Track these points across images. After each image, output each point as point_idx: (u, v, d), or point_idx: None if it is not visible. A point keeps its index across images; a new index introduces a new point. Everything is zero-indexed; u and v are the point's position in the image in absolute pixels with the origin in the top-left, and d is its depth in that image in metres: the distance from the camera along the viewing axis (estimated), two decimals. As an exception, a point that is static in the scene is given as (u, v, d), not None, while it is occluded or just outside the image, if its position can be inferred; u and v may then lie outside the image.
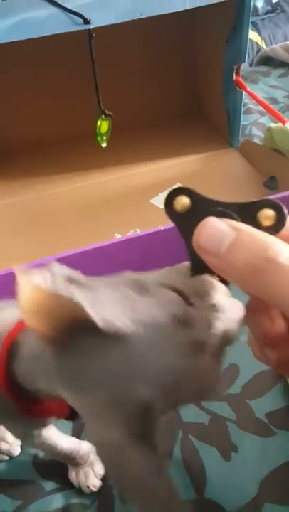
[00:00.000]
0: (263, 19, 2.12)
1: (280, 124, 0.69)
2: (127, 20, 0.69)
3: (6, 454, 0.50)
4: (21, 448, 0.51)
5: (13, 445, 0.50)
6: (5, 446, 0.50)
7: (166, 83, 0.98)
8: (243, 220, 0.23)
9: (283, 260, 0.20)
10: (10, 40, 0.69)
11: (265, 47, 2.07)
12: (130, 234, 0.66)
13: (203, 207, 0.23)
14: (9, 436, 0.50)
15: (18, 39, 0.69)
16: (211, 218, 0.22)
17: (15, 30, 0.71)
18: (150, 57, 0.95)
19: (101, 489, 0.47)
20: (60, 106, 0.92)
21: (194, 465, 0.47)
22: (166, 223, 0.62)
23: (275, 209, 0.23)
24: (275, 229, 0.23)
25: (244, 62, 0.77)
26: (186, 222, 0.24)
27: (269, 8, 2.14)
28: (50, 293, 0.20)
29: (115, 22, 0.69)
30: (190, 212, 0.24)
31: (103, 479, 0.48)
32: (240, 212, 0.23)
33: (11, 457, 0.50)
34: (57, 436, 0.45)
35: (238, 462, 0.47)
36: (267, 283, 0.20)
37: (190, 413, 0.51)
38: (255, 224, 0.23)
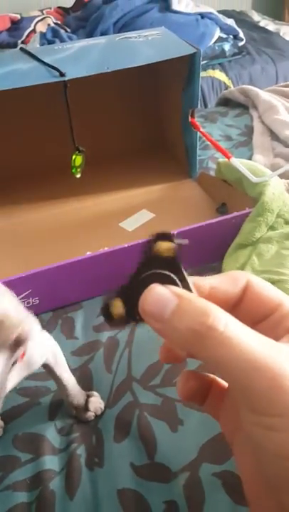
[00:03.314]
0: (230, 61, 2.31)
1: (226, 159, 0.82)
2: (97, 73, 0.81)
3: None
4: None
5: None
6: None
7: (133, 124, 1.11)
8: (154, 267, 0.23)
9: (222, 328, 0.21)
10: (-1, 89, 0.81)
11: (232, 86, 2.25)
12: (99, 251, 0.77)
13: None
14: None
15: (4, 88, 0.81)
16: (154, 285, 0.23)
17: (2, 81, 0.83)
18: (120, 102, 1.09)
19: (70, 460, 0.57)
20: (41, 142, 1.05)
21: (148, 436, 0.57)
22: (130, 242, 0.74)
23: (168, 239, 0.24)
24: (175, 255, 0.24)
25: (197, 107, 0.91)
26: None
27: (236, 50, 2.34)
28: None
29: (86, 75, 0.81)
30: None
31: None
32: (150, 264, 0.24)
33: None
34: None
35: (183, 433, 0.57)
36: (207, 348, 0.21)
37: (146, 397, 0.62)
38: (160, 259, 0.24)
